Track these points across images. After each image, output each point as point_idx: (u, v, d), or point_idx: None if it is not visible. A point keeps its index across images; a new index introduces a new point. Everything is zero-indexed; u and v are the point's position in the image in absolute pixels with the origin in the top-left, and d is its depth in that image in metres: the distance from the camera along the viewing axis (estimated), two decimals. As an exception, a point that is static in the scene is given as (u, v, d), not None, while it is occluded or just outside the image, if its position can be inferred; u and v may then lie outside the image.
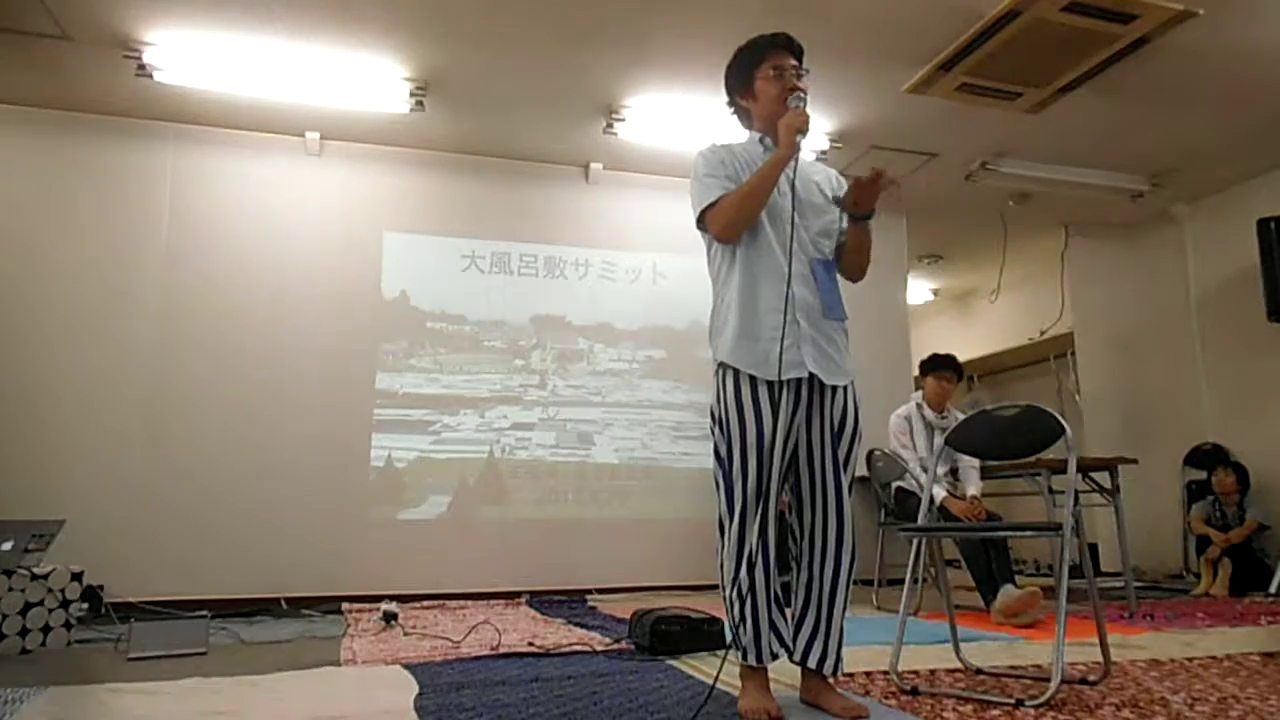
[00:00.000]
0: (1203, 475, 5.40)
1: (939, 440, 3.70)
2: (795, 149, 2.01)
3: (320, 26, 3.72)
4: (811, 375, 2.02)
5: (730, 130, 2.29)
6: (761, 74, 2.13)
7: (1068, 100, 4.24)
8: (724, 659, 1.96)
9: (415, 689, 2.22)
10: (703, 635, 2.79)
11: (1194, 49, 3.82)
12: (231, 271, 4.50)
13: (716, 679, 1.98)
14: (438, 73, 4.11)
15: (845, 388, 2.08)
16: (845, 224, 2.16)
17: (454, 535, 4.62)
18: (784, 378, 1.98)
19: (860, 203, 2.08)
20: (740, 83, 2.19)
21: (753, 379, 2.00)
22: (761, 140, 2.17)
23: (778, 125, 2.04)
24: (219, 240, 4.52)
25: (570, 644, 2.92)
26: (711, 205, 2.06)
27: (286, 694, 2.20)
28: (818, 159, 2.13)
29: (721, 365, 2.07)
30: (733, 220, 2.04)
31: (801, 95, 2.07)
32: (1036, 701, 1.99)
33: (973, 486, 3.98)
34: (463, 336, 4.87)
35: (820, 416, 2.05)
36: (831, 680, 2.05)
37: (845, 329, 2.14)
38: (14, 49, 3.83)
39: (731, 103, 2.24)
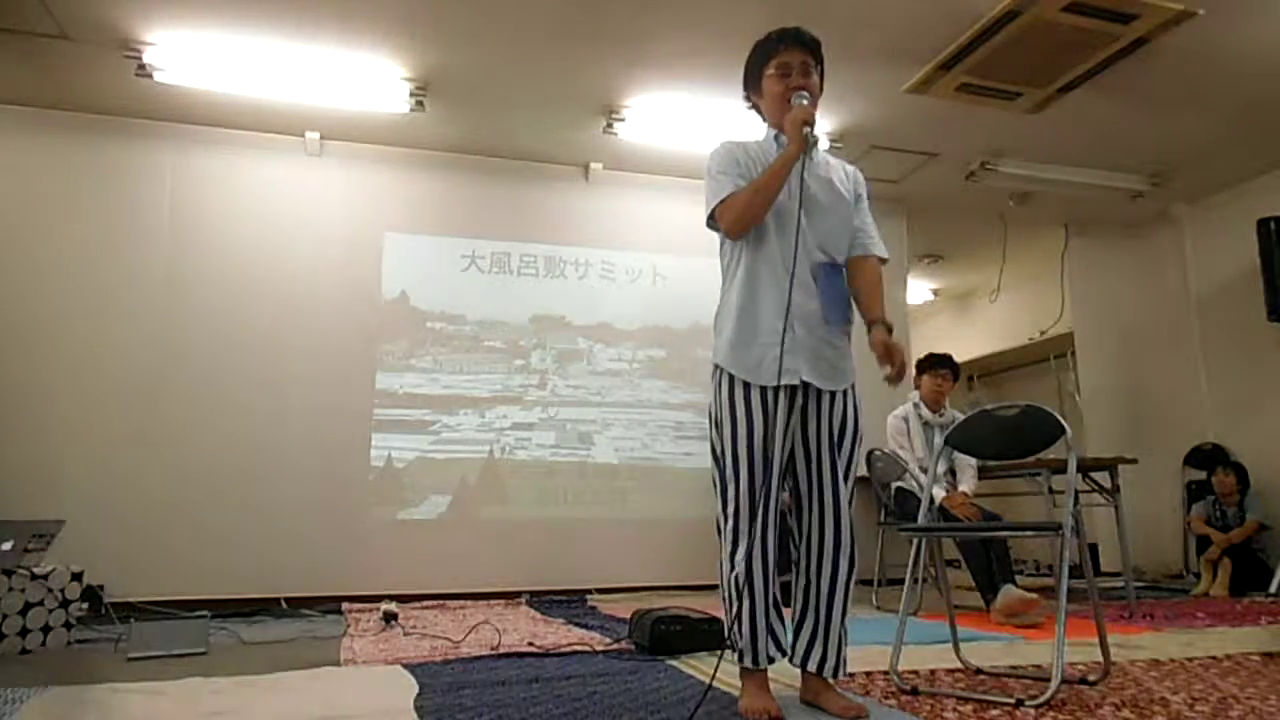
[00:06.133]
0: (1203, 475, 5.39)
1: (938, 440, 3.71)
2: (804, 144, 2.00)
3: (320, 26, 3.72)
4: (805, 382, 2.01)
5: (732, 129, 2.29)
6: (768, 71, 2.12)
7: (1068, 100, 4.24)
8: (719, 658, 1.97)
9: (415, 689, 2.21)
10: (703, 635, 2.78)
11: (1194, 49, 3.82)
12: (231, 271, 4.50)
13: (713, 678, 1.98)
14: (438, 73, 4.11)
15: (845, 392, 2.07)
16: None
17: (454, 535, 4.62)
18: (777, 384, 1.97)
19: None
20: (751, 80, 2.20)
21: (746, 383, 2.00)
22: (776, 138, 2.16)
23: (784, 121, 2.05)
24: (219, 240, 4.52)
25: (570, 644, 2.92)
26: (723, 201, 2.06)
27: (286, 694, 2.20)
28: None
29: (717, 368, 2.07)
30: (741, 216, 2.04)
31: (804, 94, 2.06)
32: (1036, 701, 1.99)
33: (965, 484, 3.99)
34: (463, 336, 4.87)
35: (818, 422, 2.04)
36: (833, 682, 2.05)
37: (847, 333, 2.12)
38: (14, 49, 3.83)
39: (747, 99, 2.25)
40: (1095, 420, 5.98)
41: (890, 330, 2.09)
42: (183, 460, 4.26)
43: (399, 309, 4.78)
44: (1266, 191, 5.26)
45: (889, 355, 2.04)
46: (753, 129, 2.25)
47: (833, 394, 2.05)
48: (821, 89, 2.14)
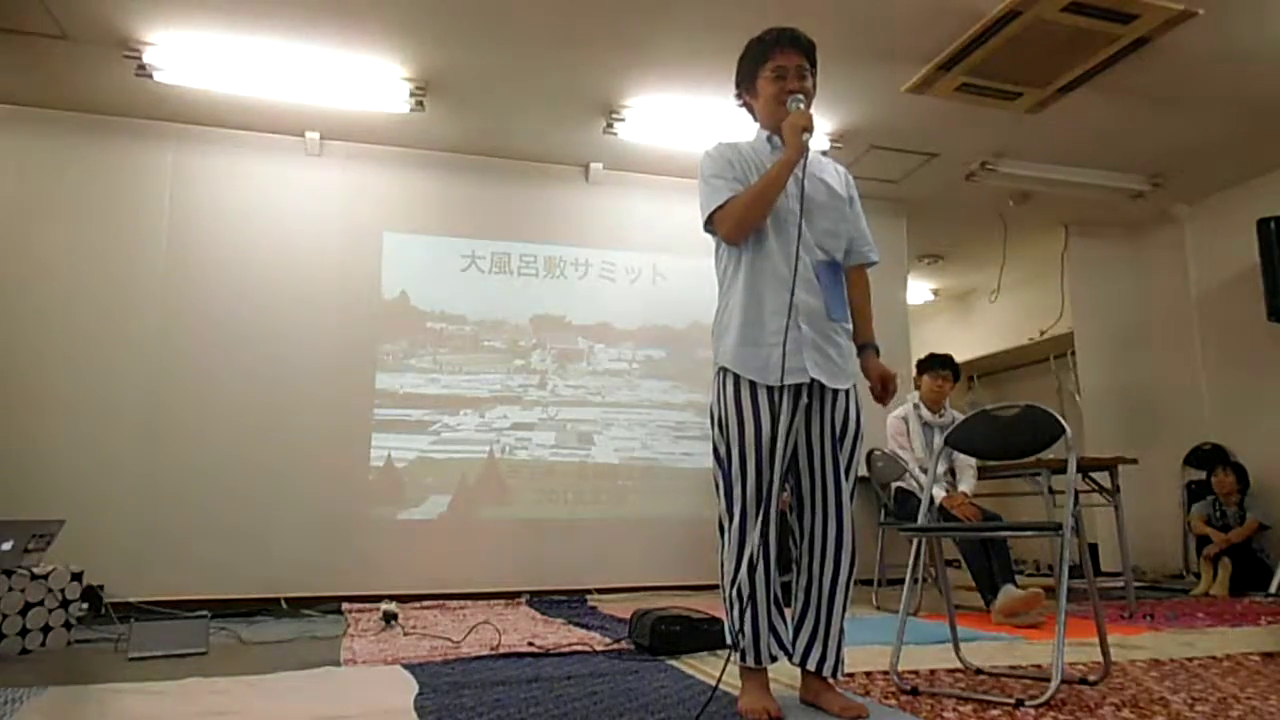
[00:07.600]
0: (1203, 475, 5.39)
1: (938, 440, 3.71)
2: (803, 149, 2.00)
3: (320, 26, 3.72)
4: (813, 380, 2.01)
5: (731, 129, 2.28)
6: (764, 73, 2.11)
7: (1068, 100, 4.24)
8: (728, 659, 1.97)
9: (415, 689, 2.22)
10: (703, 635, 2.79)
11: (1194, 49, 3.82)
12: (232, 271, 4.50)
13: (720, 680, 1.98)
14: (438, 73, 4.11)
15: (847, 391, 2.08)
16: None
17: (454, 535, 4.62)
18: (785, 383, 1.97)
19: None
20: (745, 79, 2.18)
21: (753, 384, 2.00)
22: (769, 139, 2.15)
23: (782, 126, 2.04)
24: (219, 240, 4.52)
25: (570, 644, 2.92)
26: (720, 207, 2.06)
27: (286, 694, 2.20)
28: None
29: (722, 369, 2.07)
30: (741, 222, 2.04)
31: (800, 98, 2.06)
32: (1036, 701, 1.99)
33: (965, 484, 3.99)
34: (463, 336, 4.87)
35: (821, 420, 2.04)
36: (832, 681, 2.05)
37: (848, 330, 2.13)
38: (14, 49, 3.83)
39: (739, 97, 2.24)
40: (1095, 420, 5.97)
41: (878, 353, 2.20)
42: (183, 460, 4.26)
43: (399, 309, 4.78)
44: (1266, 191, 5.26)
45: (885, 385, 2.14)
46: (750, 130, 2.24)
47: (835, 392, 2.05)
48: (814, 92, 2.13)
